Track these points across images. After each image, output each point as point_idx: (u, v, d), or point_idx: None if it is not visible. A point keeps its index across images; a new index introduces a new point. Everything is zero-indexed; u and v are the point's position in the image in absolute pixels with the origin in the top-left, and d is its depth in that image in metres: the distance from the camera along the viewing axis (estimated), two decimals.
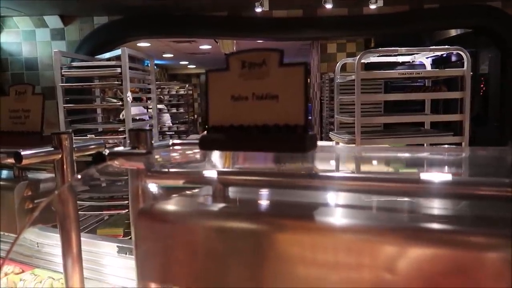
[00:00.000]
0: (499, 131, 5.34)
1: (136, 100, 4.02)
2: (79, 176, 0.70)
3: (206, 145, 0.62)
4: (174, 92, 9.24)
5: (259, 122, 0.59)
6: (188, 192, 0.65)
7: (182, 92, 9.32)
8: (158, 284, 0.55)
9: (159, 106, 7.20)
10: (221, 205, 0.57)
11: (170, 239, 0.54)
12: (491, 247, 0.40)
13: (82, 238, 0.90)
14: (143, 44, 7.69)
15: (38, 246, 1.44)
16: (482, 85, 5.96)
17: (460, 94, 2.66)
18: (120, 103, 3.48)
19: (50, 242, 1.42)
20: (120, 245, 1.25)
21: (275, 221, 0.51)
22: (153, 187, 0.67)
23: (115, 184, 2.60)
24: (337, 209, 0.57)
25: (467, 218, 0.52)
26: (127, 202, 2.51)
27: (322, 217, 0.50)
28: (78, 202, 0.89)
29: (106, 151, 0.59)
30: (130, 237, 2.05)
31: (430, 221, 0.48)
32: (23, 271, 1.41)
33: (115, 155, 0.60)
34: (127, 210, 2.42)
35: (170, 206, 0.57)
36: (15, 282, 1.31)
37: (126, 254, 1.24)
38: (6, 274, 1.36)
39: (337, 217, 0.52)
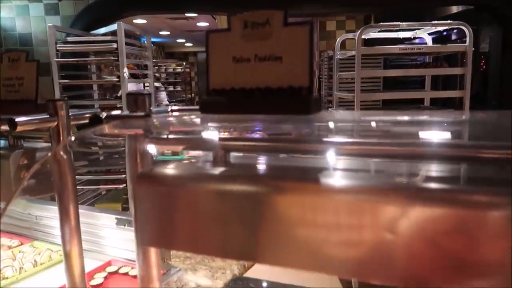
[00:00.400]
0: (499, 110, 5.32)
1: (133, 77, 3.96)
2: (73, 138, 0.68)
3: (207, 109, 0.60)
4: (171, 70, 9.13)
5: (262, 85, 0.57)
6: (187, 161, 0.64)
7: (179, 70, 9.22)
8: (158, 248, 0.54)
9: (156, 84, 7.12)
10: (223, 168, 0.55)
11: (171, 203, 0.53)
12: (494, 206, 0.39)
13: (80, 210, 0.89)
14: (139, 21, 7.55)
15: (36, 219, 1.44)
16: (482, 64, 5.91)
17: (461, 70, 2.63)
18: (117, 79, 3.43)
19: (49, 215, 1.41)
20: (119, 217, 1.24)
21: (276, 183, 0.50)
22: (151, 153, 0.65)
23: (112, 156, 2.59)
24: (338, 172, 0.55)
25: (468, 179, 0.52)
26: (124, 176, 2.51)
27: (323, 179, 0.49)
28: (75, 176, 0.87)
29: (104, 114, 0.57)
30: (128, 212, 2.06)
31: (431, 181, 0.47)
32: (22, 244, 1.41)
33: (112, 118, 0.58)
34: (124, 185, 2.42)
35: (171, 169, 0.56)
36: (14, 254, 1.31)
37: (124, 226, 1.23)
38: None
39: (338, 179, 0.50)
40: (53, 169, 0.74)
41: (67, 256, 0.89)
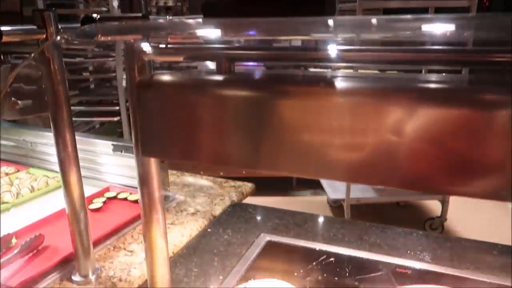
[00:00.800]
0: None
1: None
2: (58, 38, 0.63)
3: (210, 11, 0.55)
4: (162, 4, 8.72)
5: None
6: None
7: (170, 4, 8.80)
8: (160, 158, 0.52)
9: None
10: (226, 76, 0.52)
11: (173, 110, 0.50)
12: (495, 105, 0.38)
13: (76, 137, 0.86)
14: None
15: (31, 146, 1.41)
16: (485, 1, 5.70)
17: (467, 2, 2.53)
18: (105, 9, 3.25)
19: (43, 141, 1.39)
20: (115, 143, 1.22)
21: (279, 87, 0.47)
22: (149, 62, 0.61)
23: (104, 85, 2.51)
24: (341, 77, 0.53)
25: (472, 81, 0.50)
26: (118, 108, 2.46)
27: (326, 82, 0.47)
28: None
29: (97, 16, 0.52)
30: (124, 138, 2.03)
31: (435, 82, 0.46)
32: (18, 171, 1.40)
33: (107, 19, 0.53)
34: (118, 117, 2.38)
35: (172, 76, 0.52)
36: (11, 180, 1.30)
37: (121, 152, 1.22)
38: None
39: (341, 82, 0.48)
40: (42, 70, 0.70)
41: (65, 178, 0.87)
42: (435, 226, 3.01)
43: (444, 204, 2.95)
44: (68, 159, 0.86)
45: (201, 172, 1.43)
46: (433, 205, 3.31)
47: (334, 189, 3.21)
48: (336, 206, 3.39)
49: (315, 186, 3.57)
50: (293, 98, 0.46)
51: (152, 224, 0.68)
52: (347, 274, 0.88)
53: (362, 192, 3.08)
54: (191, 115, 0.49)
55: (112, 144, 1.22)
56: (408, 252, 0.98)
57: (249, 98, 0.47)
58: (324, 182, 3.34)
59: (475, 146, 0.39)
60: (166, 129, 0.51)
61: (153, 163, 0.59)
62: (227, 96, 0.48)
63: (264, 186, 1.73)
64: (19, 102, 0.83)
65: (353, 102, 0.43)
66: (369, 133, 0.42)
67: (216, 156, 0.50)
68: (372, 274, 0.88)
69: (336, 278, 0.87)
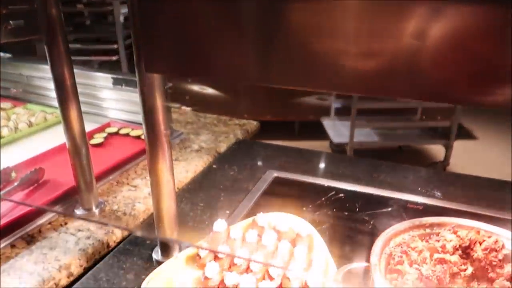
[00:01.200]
0: None
1: None
2: None
3: None
4: None
5: None
6: None
7: None
8: (165, 74, 0.47)
9: None
10: None
11: (177, 19, 0.44)
12: None
13: (74, 70, 0.79)
14: None
15: (27, 79, 1.35)
16: None
17: None
18: None
19: (41, 75, 1.32)
20: (115, 76, 1.16)
21: None
22: None
23: (101, 23, 2.38)
24: None
25: None
26: (116, 46, 2.36)
27: None
28: None
29: None
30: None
31: None
32: (15, 106, 1.35)
33: None
34: (117, 57, 2.29)
35: None
36: (8, 115, 1.25)
37: (121, 86, 1.16)
38: None
39: None
40: None
41: (64, 112, 0.82)
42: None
43: (448, 148, 2.94)
44: (66, 89, 0.80)
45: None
46: (436, 150, 3.30)
47: (337, 133, 3.18)
48: (338, 150, 3.38)
49: (317, 131, 3.55)
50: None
51: (157, 152, 0.65)
52: (357, 209, 0.86)
53: (365, 136, 3.06)
54: (198, 24, 0.44)
55: (112, 78, 1.16)
56: (419, 189, 0.95)
57: (262, 1, 0.41)
58: (327, 127, 3.30)
59: (498, 48, 0.35)
60: (171, 41, 0.46)
61: (157, 80, 0.54)
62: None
63: (266, 131, 1.69)
64: (11, 22, 0.76)
65: (369, 2, 0.38)
66: (387, 38, 0.38)
67: (225, 70, 0.44)
68: (383, 210, 0.86)
69: (346, 213, 0.86)
